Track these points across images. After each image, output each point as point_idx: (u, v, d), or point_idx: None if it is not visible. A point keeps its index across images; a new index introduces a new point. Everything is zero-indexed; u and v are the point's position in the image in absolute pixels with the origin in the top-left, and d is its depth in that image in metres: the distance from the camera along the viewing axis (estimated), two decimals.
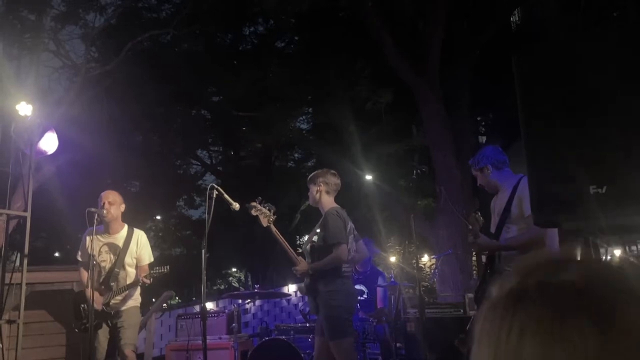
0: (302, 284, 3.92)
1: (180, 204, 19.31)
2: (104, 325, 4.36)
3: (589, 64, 1.92)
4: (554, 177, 1.93)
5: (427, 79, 8.66)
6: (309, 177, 4.13)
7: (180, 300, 20.03)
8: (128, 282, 4.39)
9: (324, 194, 4.00)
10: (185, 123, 14.83)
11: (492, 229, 3.74)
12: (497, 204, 3.65)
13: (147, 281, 4.33)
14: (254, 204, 3.95)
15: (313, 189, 4.05)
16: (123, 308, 4.38)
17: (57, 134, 5.01)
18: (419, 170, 11.91)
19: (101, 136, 9.41)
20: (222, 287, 25.52)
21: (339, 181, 4.08)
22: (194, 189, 18.64)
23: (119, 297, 4.38)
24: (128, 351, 4.25)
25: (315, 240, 3.87)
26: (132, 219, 4.70)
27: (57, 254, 17.06)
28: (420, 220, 8.25)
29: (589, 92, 1.91)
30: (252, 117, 13.73)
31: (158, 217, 19.29)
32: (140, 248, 4.51)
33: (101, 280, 4.41)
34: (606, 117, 1.86)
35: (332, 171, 4.11)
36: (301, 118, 16.13)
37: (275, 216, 3.99)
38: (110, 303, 4.36)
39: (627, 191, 1.77)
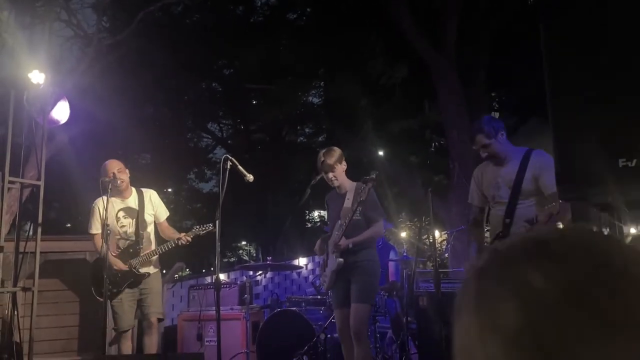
0: (340, 260, 3.93)
1: (191, 177, 19.32)
2: (130, 291, 4.36)
3: (621, 30, 1.84)
4: (581, 149, 1.86)
5: (445, 55, 8.52)
6: (333, 158, 4.00)
7: (190, 272, 20.19)
8: (153, 245, 4.43)
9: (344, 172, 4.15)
10: (196, 95, 14.74)
11: (471, 199, 3.67)
12: (499, 175, 3.55)
13: (188, 239, 4.34)
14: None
15: (340, 168, 4.07)
16: (150, 271, 4.40)
17: (69, 103, 4.99)
18: (436, 143, 11.80)
19: (113, 107, 9.39)
20: (232, 259, 25.71)
21: None
22: (205, 162, 18.62)
23: (146, 260, 4.39)
24: (154, 319, 4.34)
25: (357, 216, 3.96)
26: None
27: (68, 225, 17.18)
28: (432, 196, 8.21)
29: (620, 60, 1.83)
30: (262, 91, 13.62)
31: (169, 190, 19.35)
32: (156, 206, 4.57)
33: (127, 245, 4.42)
34: (638, 86, 1.79)
35: None
36: (312, 92, 16.00)
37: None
38: (139, 268, 4.35)
39: None
